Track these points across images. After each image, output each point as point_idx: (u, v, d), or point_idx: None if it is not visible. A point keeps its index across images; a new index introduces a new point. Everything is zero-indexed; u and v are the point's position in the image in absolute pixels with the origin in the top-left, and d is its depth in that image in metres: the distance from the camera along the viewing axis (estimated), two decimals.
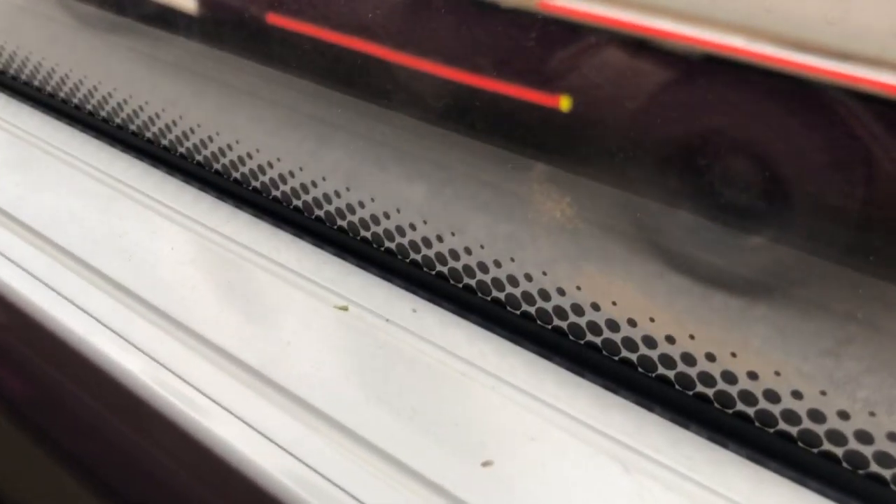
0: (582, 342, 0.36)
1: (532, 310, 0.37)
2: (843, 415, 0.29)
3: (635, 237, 0.36)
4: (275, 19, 0.45)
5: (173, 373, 0.37)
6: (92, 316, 0.41)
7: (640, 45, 0.33)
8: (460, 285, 0.40)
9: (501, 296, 0.38)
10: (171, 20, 0.52)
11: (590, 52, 0.34)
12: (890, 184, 0.29)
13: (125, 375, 0.38)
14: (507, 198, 0.38)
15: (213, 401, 0.35)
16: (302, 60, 0.46)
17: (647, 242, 0.36)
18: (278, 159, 0.45)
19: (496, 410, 0.35)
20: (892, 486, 0.29)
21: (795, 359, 0.31)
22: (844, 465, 0.30)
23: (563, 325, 0.36)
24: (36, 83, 0.60)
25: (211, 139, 0.49)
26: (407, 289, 0.41)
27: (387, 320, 0.39)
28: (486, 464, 0.32)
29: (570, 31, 0.34)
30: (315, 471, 0.32)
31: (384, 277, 0.42)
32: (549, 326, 0.37)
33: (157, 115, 0.51)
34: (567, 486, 0.31)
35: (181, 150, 0.51)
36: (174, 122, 0.51)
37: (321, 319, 0.40)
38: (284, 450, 0.33)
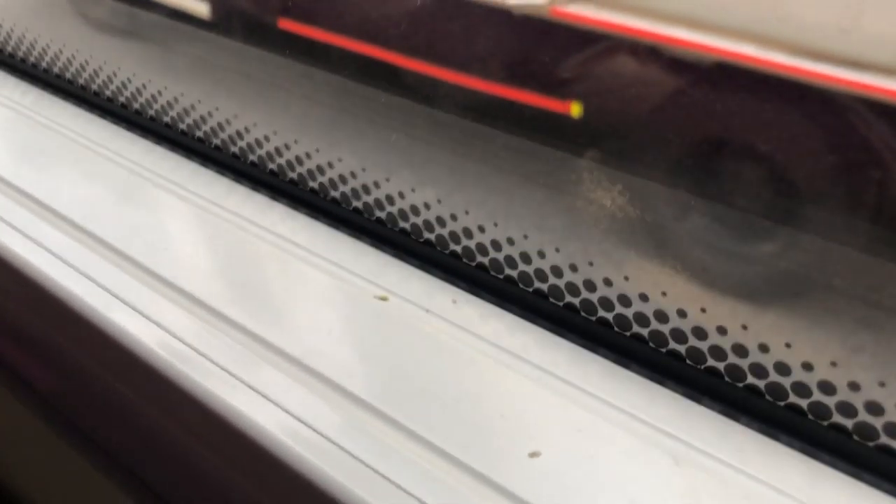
0: (628, 333, 0.36)
1: (576, 301, 0.37)
2: None
3: (681, 230, 0.36)
4: (286, 24, 0.45)
5: (216, 363, 0.36)
6: (134, 307, 0.41)
7: (652, 53, 0.32)
8: (501, 276, 0.39)
9: (544, 286, 0.38)
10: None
11: (602, 59, 0.34)
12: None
13: (162, 363, 0.38)
14: (553, 189, 0.38)
15: (258, 392, 0.35)
16: (333, 60, 0.46)
17: (694, 235, 0.35)
18: (317, 150, 0.45)
19: (541, 402, 0.34)
20: None
21: (850, 349, 0.30)
22: None
23: (609, 316, 0.36)
24: (46, 67, 0.60)
25: (248, 130, 0.48)
26: (447, 280, 0.41)
27: (427, 311, 0.39)
28: (533, 454, 0.32)
29: (583, 37, 0.34)
30: (360, 461, 0.32)
31: (423, 269, 0.42)
32: (594, 318, 0.37)
33: (195, 110, 0.51)
34: (617, 477, 0.31)
35: (216, 142, 0.51)
36: (209, 115, 0.51)
37: (362, 310, 0.39)
38: (329, 439, 0.33)
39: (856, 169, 0.30)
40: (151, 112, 0.54)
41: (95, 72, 0.58)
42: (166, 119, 0.54)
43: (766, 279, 0.34)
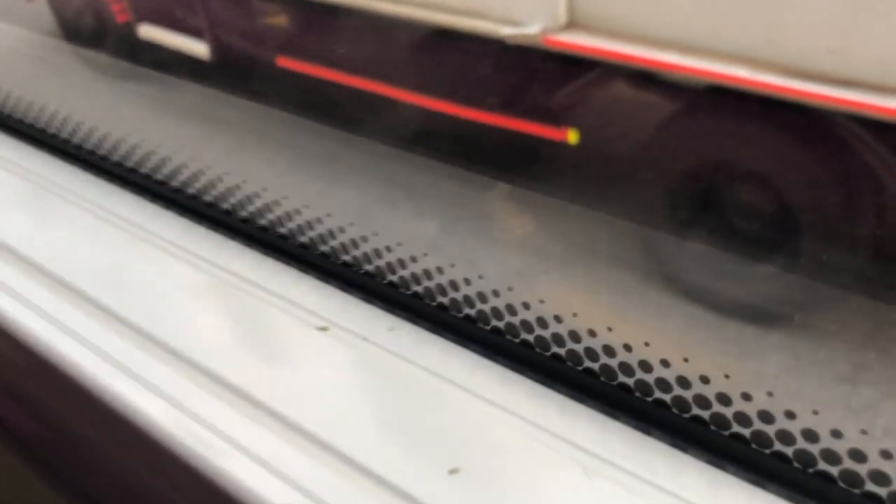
0: (548, 354, 0.37)
1: (501, 324, 0.39)
2: (790, 415, 0.31)
3: (601, 253, 0.38)
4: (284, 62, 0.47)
5: (164, 394, 0.38)
6: (97, 352, 0.42)
7: (646, 78, 0.33)
8: (434, 304, 0.41)
9: (472, 312, 0.40)
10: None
11: (595, 86, 0.35)
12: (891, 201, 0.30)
13: (135, 413, 0.39)
14: (477, 217, 0.40)
15: (189, 414, 0.37)
16: (288, 95, 0.48)
17: (612, 257, 0.37)
18: (265, 189, 0.47)
19: (465, 422, 0.36)
20: (840, 484, 0.30)
21: (748, 362, 0.32)
22: (795, 464, 0.31)
23: (530, 338, 0.38)
24: (42, 126, 0.63)
25: (203, 172, 0.51)
26: (386, 309, 0.43)
27: (364, 339, 0.41)
28: (452, 471, 0.34)
29: (576, 66, 0.34)
30: (290, 480, 0.34)
31: (364, 299, 0.44)
32: (518, 340, 0.38)
33: (139, 148, 0.54)
34: (528, 489, 0.32)
35: (175, 184, 0.53)
36: (154, 152, 0.53)
37: (303, 340, 0.41)
38: (261, 461, 0.35)
39: (849, 184, 0.30)
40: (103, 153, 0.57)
41: None
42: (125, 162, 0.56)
43: (678, 298, 0.36)
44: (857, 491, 0.30)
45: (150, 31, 0.57)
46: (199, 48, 0.55)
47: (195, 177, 0.52)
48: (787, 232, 0.33)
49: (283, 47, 0.48)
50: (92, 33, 0.63)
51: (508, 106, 0.39)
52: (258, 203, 0.48)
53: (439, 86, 0.42)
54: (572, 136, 0.38)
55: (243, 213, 0.49)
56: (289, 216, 0.47)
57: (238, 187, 0.49)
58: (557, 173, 0.37)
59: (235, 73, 0.50)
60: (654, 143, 0.34)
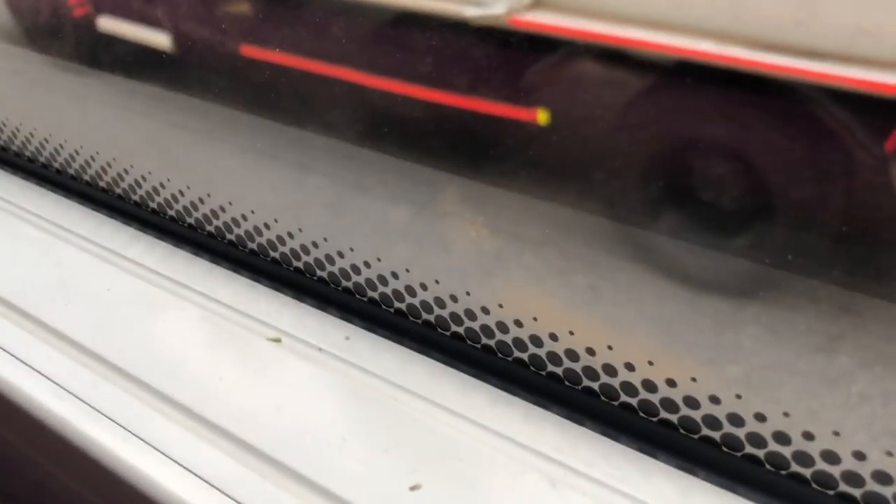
0: (510, 359, 0.36)
1: (461, 329, 0.37)
2: (760, 417, 0.30)
3: (563, 252, 0.36)
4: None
5: (94, 408, 0.36)
6: (34, 367, 0.40)
7: (612, 56, 0.32)
8: (392, 310, 0.40)
9: (431, 318, 0.38)
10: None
11: (563, 65, 0.34)
12: (861, 175, 0.29)
13: (81, 436, 0.37)
14: (431, 219, 0.39)
15: (137, 436, 0.35)
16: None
17: (566, 255, 0.36)
18: (209, 195, 0.45)
19: (426, 434, 0.35)
20: (814, 486, 0.29)
21: (713, 365, 0.31)
22: (767, 466, 0.30)
23: (491, 343, 0.36)
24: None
25: (144, 178, 0.49)
26: (342, 317, 0.41)
27: (320, 349, 0.39)
28: (414, 488, 0.32)
29: (542, 45, 0.34)
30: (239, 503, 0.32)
31: (319, 307, 0.42)
32: (479, 345, 0.37)
33: (79, 153, 0.51)
34: (495, 503, 0.31)
35: (118, 190, 0.51)
36: (93, 158, 0.51)
37: (254, 352, 0.39)
38: (210, 484, 0.33)
39: (819, 158, 0.30)
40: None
41: None
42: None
43: (636, 295, 0.35)
44: (831, 492, 0.29)
45: (110, 24, 0.55)
46: (161, 40, 0.52)
47: (138, 183, 0.49)
48: (759, 209, 0.33)
49: (246, 35, 0.46)
50: (47, 30, 0.60)
51: (476, 89, 0.37)
52: (205, 209, 0.46)
53: (403, 71, 0.40)
54: (542, 117, 0.37)
55: (190, 220, 0.47)
56: (236, 221, 0.45)
57: (182, 193, 0.47)
58: (521, 162, 0.35)
59: (198, 68, 0.48)
60: (623, 121, 0.33)
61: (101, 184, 0.52)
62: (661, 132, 0.33)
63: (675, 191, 0.34)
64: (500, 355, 0.36)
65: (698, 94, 0.32)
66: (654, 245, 0.35)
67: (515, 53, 0.36)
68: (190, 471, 0.34)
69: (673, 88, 0.33)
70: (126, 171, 0.49)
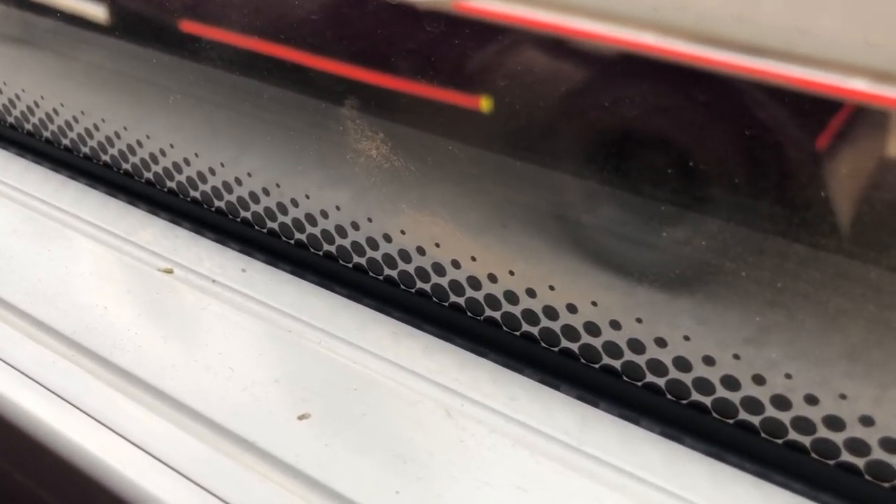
0: (413, 290, 0.35)
1: (363, 261, 0.36)
2: (661, 342, 0.29)
3: (465, 180, 0.35)
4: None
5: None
6: None
7: (555, 45, 0.32)
8: (293, 242, 0.38)
9: (333, 248, 0.37)
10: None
11: (505, 53, 0.33)
12: (798, 169, 0.29)
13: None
14: (332, 146, 0.37)
15: (11, 365, 0.32)
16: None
17: (478, 189, 0.35)
18: (103, 120, 0.42)
19: (321, 366, 0.33)
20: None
21: (614, 289, 0.30)
22: (668, 396, 0.29)
23: (394, 273, 0.35)
24: None
25: (37, 104, 0.46)
26: (241, 250, 0.39)
27: (213, 281, 0.37)
28: (302, 417, 0.30)
29: (486, 31, 0.33)
30: (123, 437, 0.30)
31: (218, 240, 0.40)
32: (381, 277, 0.35)
33: None
34: (386, 431, 0.30)
35: (10, 119, 0.48)
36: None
37: (143, 283, 0.37)
38: (89, 415, 0.31)
39: (754, 149, 0.30)
40: None
41: None
42: None
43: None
44: (729, 421, 0.29)
45: None
46: (96, 10, 0.49)
47: (30, 110, 0.46)
48: (696, 196, 0.33)
49: (186, 9, 0.44)
50: None
51: (420, 73, 0.36)
52: (99, 136, 0.43)
53: (345, 52, 0.39)
54: (485, 104, 0.36)
55: (85, 150, 0.44)
56: (131, 149, 0.42)
57: (76, 120, 0.44)
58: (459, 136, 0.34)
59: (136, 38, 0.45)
60: (565, 111, 0.33)
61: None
62: (599, 121, 0.33)
63: (604, 182, 0.33)
64: (402, 287, 0.35)
65: (635, 85, 0.32)
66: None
67: (460, 39, 0.35)
68: (66, 400, 0.32)
69: (613, 79, 0.33)
70: (17, 97, 0.46)
